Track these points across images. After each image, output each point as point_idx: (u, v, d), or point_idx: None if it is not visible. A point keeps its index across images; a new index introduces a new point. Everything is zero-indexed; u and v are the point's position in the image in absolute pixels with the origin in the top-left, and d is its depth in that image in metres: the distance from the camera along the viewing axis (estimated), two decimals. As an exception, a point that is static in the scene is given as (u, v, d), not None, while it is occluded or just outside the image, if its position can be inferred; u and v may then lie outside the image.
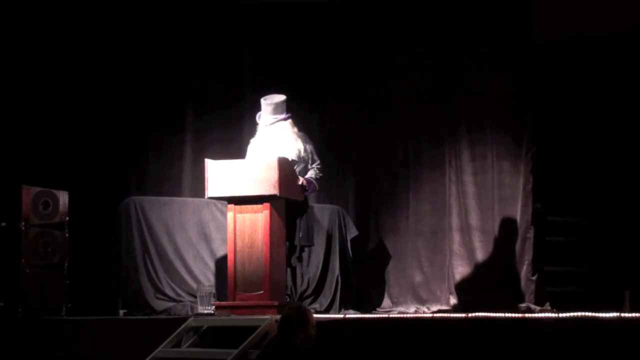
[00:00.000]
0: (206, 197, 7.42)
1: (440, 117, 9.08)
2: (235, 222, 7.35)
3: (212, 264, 8.82)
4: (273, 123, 7.80)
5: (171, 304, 8.53)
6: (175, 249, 8.79)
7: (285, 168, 7.37)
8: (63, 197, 8.48)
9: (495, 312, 6.99)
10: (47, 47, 9.10)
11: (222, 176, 7.32)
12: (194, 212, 8.91)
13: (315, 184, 7.84)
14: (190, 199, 9.06)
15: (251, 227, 7.31)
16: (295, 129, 7.91)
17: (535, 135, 8.66)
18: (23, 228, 8.24)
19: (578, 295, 8.74)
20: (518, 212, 8.55)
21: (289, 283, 7.86)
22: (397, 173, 9.30)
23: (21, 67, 9.01)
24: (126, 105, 9.31)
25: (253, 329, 6.83)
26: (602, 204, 9.34)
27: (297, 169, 7.73)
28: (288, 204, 7.50)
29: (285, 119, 7.82)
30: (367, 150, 9.49)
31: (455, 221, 8.88)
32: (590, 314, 6.19)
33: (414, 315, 8.33)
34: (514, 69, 8.69)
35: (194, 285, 8.58)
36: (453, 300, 8.68)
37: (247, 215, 7.33)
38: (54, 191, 8.44)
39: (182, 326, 7.23)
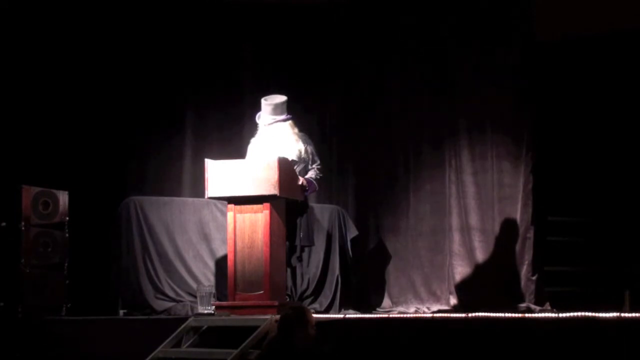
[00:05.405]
0: (206, 197, 7.42)
1: (440, 117, 9.08)
2: (235, 222, 7.35)
3: (212, 264, 8.82)
4: (272, 124, 7.81)
5: (171, 304, 8.52)
6: (175, 249, 8.79)
7: (285, 168, 7.37)
8: (63, 197, 8.47)
9: (495, 312, 6.99)
10: (47, 47, 9.09)
11: (222, 176, 7.32)
12: (194, 212, 8.91)
13: (315, 184, 7.85)
14: (190, 199, 9.05)
15: (251, 227, 7.31)
16: (296, 130, 7.92)
17: (535, 135, 8.66)
18: (23, 228, 8.23)
19: (578, 295, 8.73)
20: (518, 212, 8.55)
21: (289, 283, 7.86)
22: (397, 173, 9.30)
23: (21, 67, 9.00)
24: (126, 105, 9.30)
25: (253, 329, 6.83)
26: (601, 204, 9.34)
27: (297, 169, 7.74)
28: (288, 204, 7.50)
29: (284, 120, 7.82)
30: (367, 150, 9.48)
31: (455, 221, 8.88)
32: (590, 314, 6.18)
33: (414, 315, 8.32)
34: (514, 69, 8.68)
35: (194, 285, 8.57)
36: (453, 300, 8.68)
37: (247, 215, 7.33)
38: (54, 191, 8.43)
39: (182, 326, 7.23)
